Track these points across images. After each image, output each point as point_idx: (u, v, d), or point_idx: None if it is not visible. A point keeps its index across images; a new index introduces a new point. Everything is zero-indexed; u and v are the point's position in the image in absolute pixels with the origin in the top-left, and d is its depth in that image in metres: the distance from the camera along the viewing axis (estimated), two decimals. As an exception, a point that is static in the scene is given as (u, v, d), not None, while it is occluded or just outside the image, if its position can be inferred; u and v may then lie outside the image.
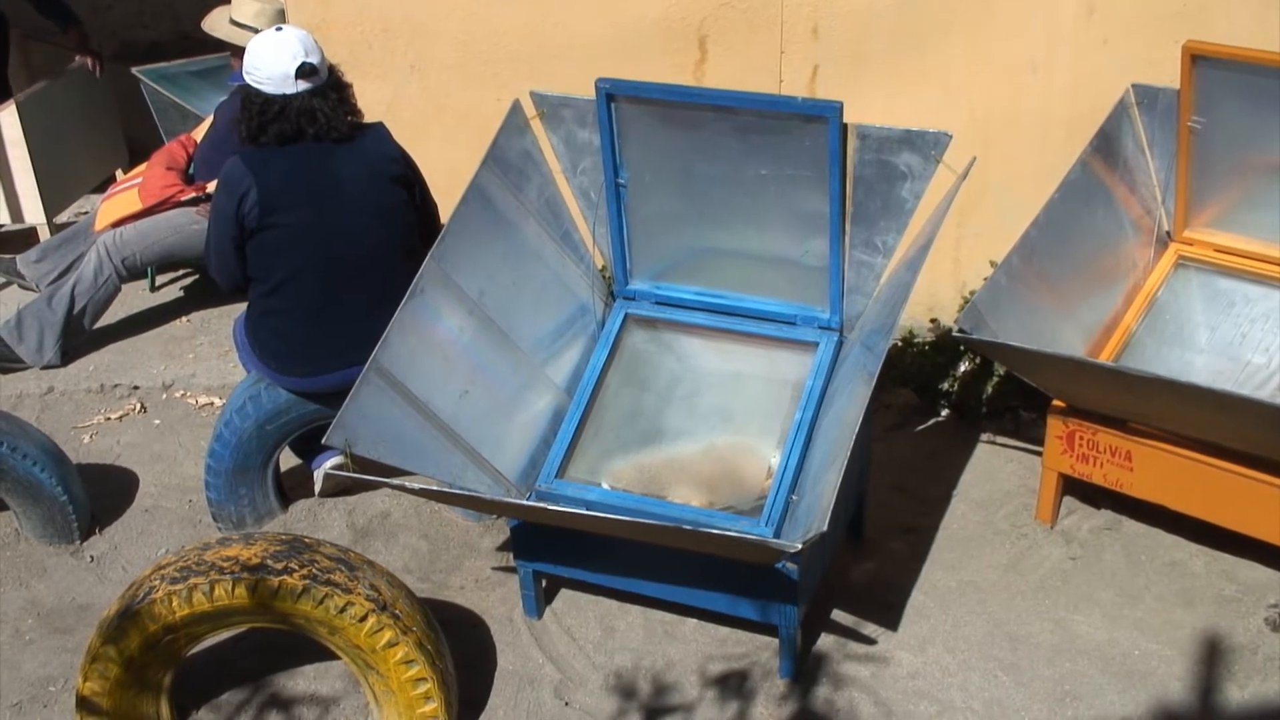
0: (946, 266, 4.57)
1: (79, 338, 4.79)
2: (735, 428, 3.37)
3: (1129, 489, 3.57)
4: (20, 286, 5.06)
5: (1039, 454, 3.86)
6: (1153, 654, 3.36)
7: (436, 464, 3.12)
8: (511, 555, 3.51)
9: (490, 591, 3.66)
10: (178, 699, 3.22)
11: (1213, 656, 3.30)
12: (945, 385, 4.28)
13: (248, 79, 3.53)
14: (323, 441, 2.93)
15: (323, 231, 3.59)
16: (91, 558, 3.75)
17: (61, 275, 4.96)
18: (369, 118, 3.73)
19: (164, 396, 4.64)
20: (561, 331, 3.49)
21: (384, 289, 3.59)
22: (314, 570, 2.88)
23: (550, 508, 2.84)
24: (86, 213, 5.69)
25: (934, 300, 4.61)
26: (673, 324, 3.50)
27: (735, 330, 3.44)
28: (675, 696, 3.27)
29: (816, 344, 3.36)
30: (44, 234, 5.27)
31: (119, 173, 5.92)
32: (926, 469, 4.11)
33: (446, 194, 3.65)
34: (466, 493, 3.11)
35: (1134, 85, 3.63)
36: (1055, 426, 3.63)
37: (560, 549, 3.34)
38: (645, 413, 3.45)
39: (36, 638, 3.41)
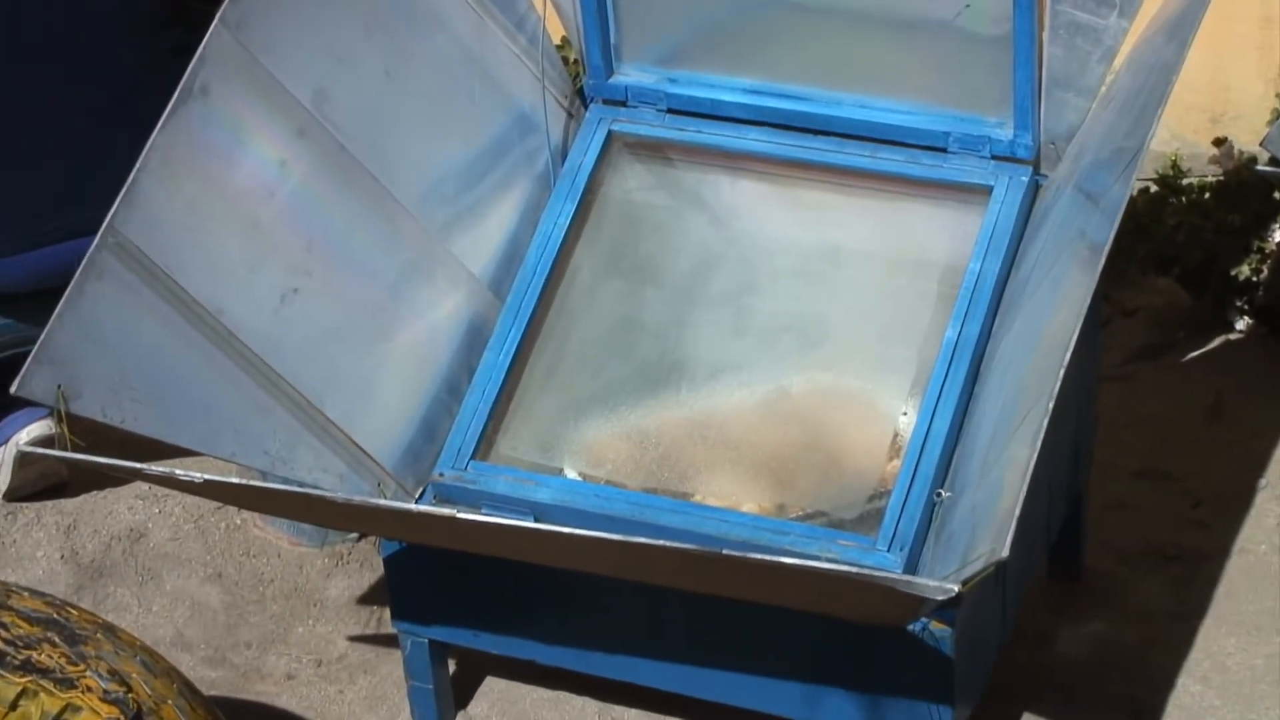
0: (1247, 36, 4.55)
1: None
2: (827, 357, 3.43)
3: None
4: None
5: None
6: None
7: (238, 434, 3.20)
8: (388, 613, 3.53)
9: (347, 684, 3.72)
10: None
11: None
12: (1244, 270, 4.29)
13: None
14: (12, 392, 2.96)
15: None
16: None
17: None
18: None
19: None
20: (482, 170, 3.55)
21: (120, 86, 3.63)
22: (-3, 644, 2.94)
23: (464, 517, 2.86)
24: None
25: (1222, 103, 4.60)
26: (700, 152, 3.56)
27: (825, 164, 3.48)
28: None
29: (988, 189, 3.38)
30: None
31: None
32: (1207, 436, 4.12)
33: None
34: (297, 490, 3.16)
35: None
36: None
37: (483, 601, 3.40)
38: (648, 329, 3.52)
39: None
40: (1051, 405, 2.67)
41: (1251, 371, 4.27)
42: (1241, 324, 4.32)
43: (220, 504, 3.92)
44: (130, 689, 2.95)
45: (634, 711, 3.59)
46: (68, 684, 2.90)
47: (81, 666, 2.93)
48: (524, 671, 3.63)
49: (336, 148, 3.34)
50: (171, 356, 3.12)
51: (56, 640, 2.96)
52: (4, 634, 2.93)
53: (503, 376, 3.37)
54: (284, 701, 3.64)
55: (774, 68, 3.50)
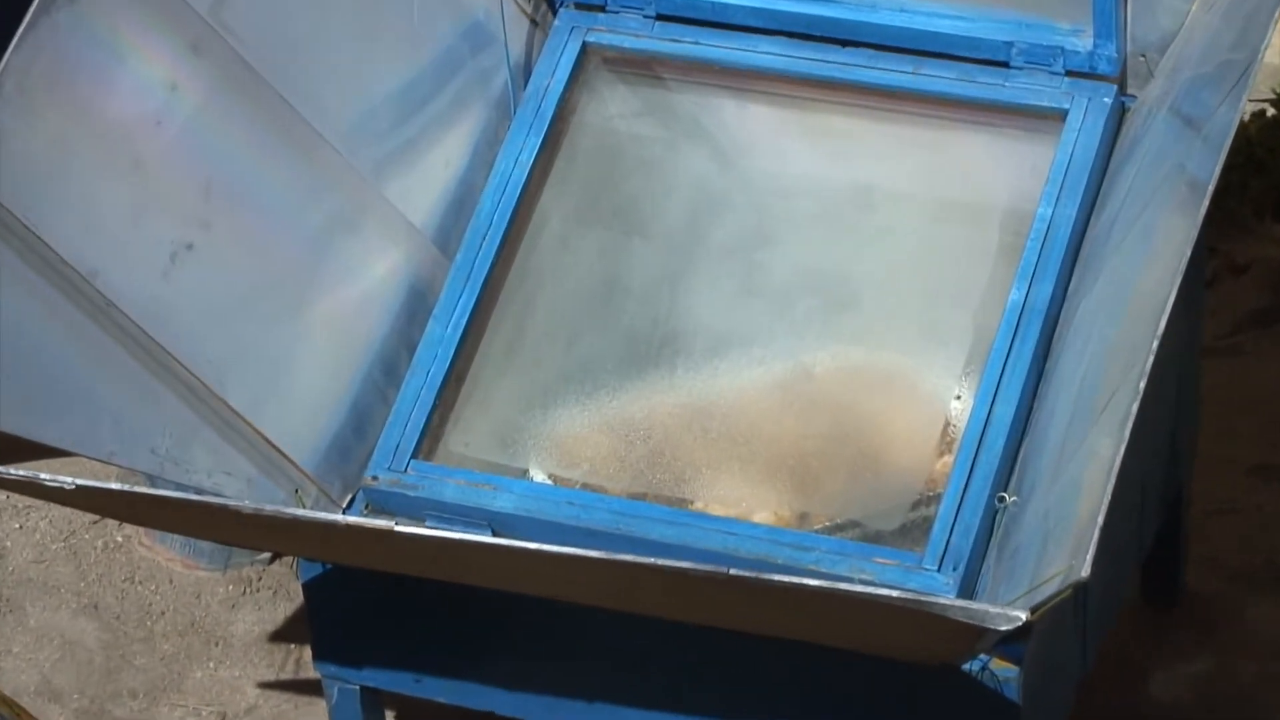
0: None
1: None
2: (859, 326, 3.44)
3: None
4: None
5: None
6: None
7: (118, 427, 3.20)
8: (309, 653, 3.50)
9: (256, 744, 3.74)
10: None
11: None
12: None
13: None
14: None
15: None
16: None
17: None
18: None
19: None
20: (425, 94, 3.56)
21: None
22: None
23: (403, 530, 2.82)
24: None
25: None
26: (699, 69, 3.56)
27: (856, 83, 3.50)
28: None
29: (1062, 114, 3.40)
30: None
31: None
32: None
33: None
34: (193, 498, 3.11)
35: None
36: None
37: (427, 637, 3.38)
38: (635, 293, 3.52)
39: None
40: (1143, 385, 2.64)
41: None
42: (1382, 286, 4.30)
43: (97, 517, 3.90)
44: (-16, 752, 2.93)
45: (618, 774, 3.57)
46: (-98, 748, 2.87)
47: (-78, 724, 2.90)
48: (479, 725, 3.60)
49: (241, 67, 3.31)
50: (34, 332, 3.10)
51: (-109, 692, 2.91)
52: None
53: (451, 354, 3.37)
54: (178, 767, 3.66)
55: (791, -39, 3.53)
